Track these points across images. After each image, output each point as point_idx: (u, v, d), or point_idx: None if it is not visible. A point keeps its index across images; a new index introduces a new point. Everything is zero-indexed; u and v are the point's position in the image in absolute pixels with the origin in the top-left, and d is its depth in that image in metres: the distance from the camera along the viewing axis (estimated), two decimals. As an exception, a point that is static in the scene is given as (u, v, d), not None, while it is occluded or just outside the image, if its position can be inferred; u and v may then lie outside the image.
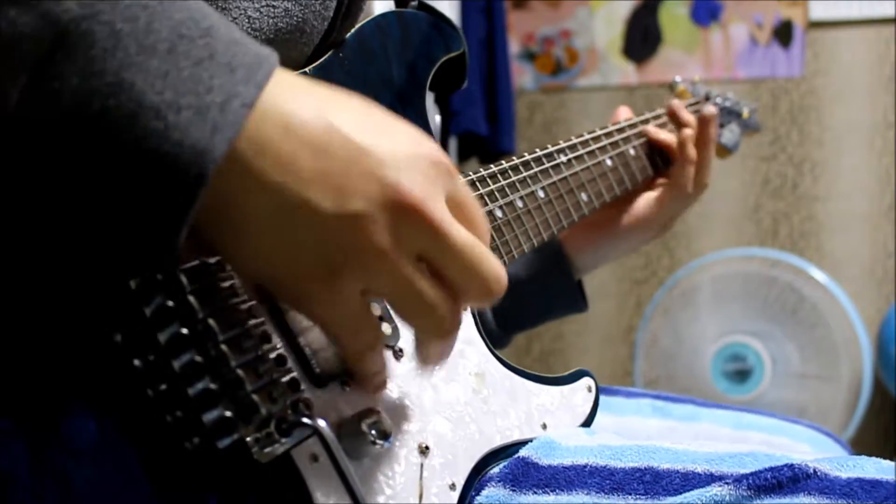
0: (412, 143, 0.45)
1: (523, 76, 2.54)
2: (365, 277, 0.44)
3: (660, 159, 0.90)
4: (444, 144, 2.25)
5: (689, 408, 0.87)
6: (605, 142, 0.82)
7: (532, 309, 0.92)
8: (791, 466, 0.51)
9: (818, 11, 2.32)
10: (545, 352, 2.58)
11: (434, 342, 0.49)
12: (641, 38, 2.46)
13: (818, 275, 2.15)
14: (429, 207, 0.43)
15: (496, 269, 0.47)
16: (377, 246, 0.43)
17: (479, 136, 2.22)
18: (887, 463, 0.53)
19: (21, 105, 0.37)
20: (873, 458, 0.53)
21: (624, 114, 0.90)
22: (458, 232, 0.45)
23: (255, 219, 0.42)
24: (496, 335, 0.91)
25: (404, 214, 0.43)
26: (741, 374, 2.18)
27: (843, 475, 0.51)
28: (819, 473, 0.50)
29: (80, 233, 0.41)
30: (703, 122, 0.90)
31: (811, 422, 0.89)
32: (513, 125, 2.31)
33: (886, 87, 2.29)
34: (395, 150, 0.44)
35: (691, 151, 0.88)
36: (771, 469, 0.51)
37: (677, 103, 0.91)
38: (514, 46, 2.52)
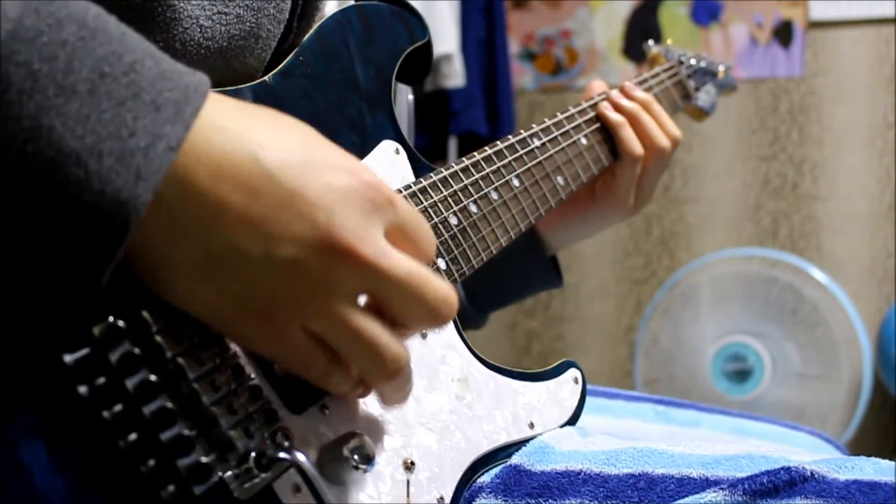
0: (346, 179, 0.43)
1: (523, 76, 2.54)
2: (301, 319, 0.43)
3: None
4: (443, 142, 2.25)
5: (691, 413, 0.86)
6: (579, 119, 0.80)
7: (506, 288, 0.91)
8: (788, 469, 0.50)
9: (818, 11, 2.32)
10: (545, 352, 2.58)
11: (383, 384, 0.47)
12: (641, 38, 2.45)
13: (818, 275, 2.15)
14: (362, 247, 0.42)
15: (443, 293, 0.46)
16: (309, 290, 0.42)
17: (479, 136, 2.22)
18: (886, 463, 0.52)
19: None
20: (872, 459, 0.53)
21: (598, 87, 0.87)
22: (396, 265, 0.44)
23: (183, 263, 0.41)
24: (471, 314, 0.91)
25: (337, 256, 0.42)
26: (741, 374, 2.17)
27: (841, 477, 0.50)
28: (816, 476, 0.50)
29: (13, 264, 0.39)
30: (643, 106, 0.84)
31: (811, 427, 0.89)
32: (513, 125, 2.31)
33: (886, 87, 2.29)
34: (327, 189, 0.42)
35: (633, 147, 0.83)
36: (767, 473, 0.50)
37: (629, 84, 0.87)
38: (514, 46, 2.52)
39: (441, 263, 0.60)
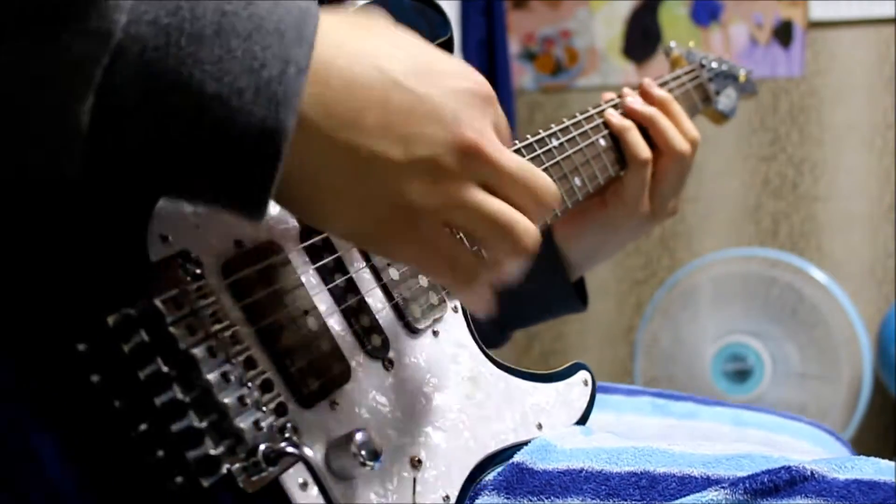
0: (461, 80, 0.48)
1: (523, 76, 2.54)
2: (443, 212, 0.47)
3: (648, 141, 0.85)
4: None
5: (689, 405, 0.86)
6: (597, 120, 0.79)
7: (528, 309, 0.91)
8: (788, 469, 0.51)
9: (818, 11, 2.32)
10: (545, 352, 2.58)
11: (516, 257, 0.50)
12: (641, 38, 2.45)
13: (818, 275, 2.15)
14: (485, 143, 0.47)
15: (549, 183, 0.51)
16: (446, 184, 0.46)
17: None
18: (886, 463, 0.52)
19: (94, 125, 0.38)
20: (872, 459, 0.53)
21: (607, 98, 0.85)
22: (509, 158, 0.48)
23: (332, 177, 0.44)
24: (493, 334, 0.90)
25: (466, 151, 0.46)
26: (741, 374, 2.17)
27: (841, 477, 0.50)
28: (817, 475, 0.50)
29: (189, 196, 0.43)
30: (660, 107, 0.84)
31: (810, 419, 0.89)
32: (513, 125, 2.31)
33: (886, 87, 2.29)
34: (448, 92, 0.46)
35: (638, 151, 0.81)
36: (768, 472, 0.51)
37: (648, 81, 0.86)
38: (514, 46, 2.52)
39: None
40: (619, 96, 0.85)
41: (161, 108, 0.38)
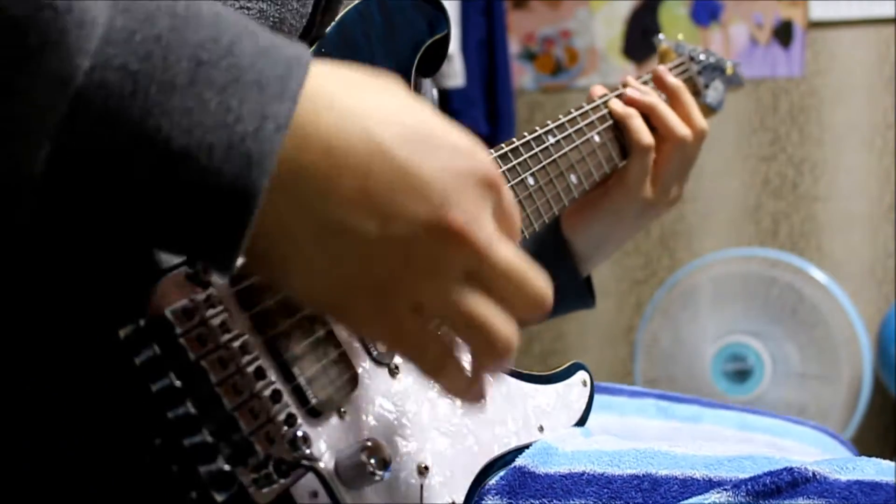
0: (460, 158, 0.43)
1: (523, 76, 2.54)
2: (414, 296, 0.42)
3: (650, 128, 0.85)
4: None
5: (693, 408, 0.86)
6: (592, 116, 0.80)
7: None
8: (790, 470, 0.51)
9: (818, 11, 2.32)
10: (545, 352, 2.58)
11: (490, 364, 0.46)
12: (641, 38, 2.45)
13: (818, 275, 2.15)
14: (474, 231, 0.42)
15: (542, 287, 0.45)
16: (422, 269, 0.41)
17: (479, 136, 2.22)
18: (887, 464, 0.53)
19: (49, 173, 0.36)
20: (873, 460, 0.53)
21: (598, 91, 0.86)
22: (504, 252, 0.43)
23: (299, 242, 0.40)
24: None
25: (450, 238, 0.41)
26: (741, 374, 2.17)
27: (843, 478, 0.50)
28: (818, 477, 0.50)
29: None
30: (671, 95, 0.84)
31: (815, 422, 0.89)
32: (513, 125, 2.31)
33: (886, 87, 2.29)
34: (442, 168, 0.41)
35: (641, 137, 0.82)
36: (770, 473, 0.51)
37: (662, 68, 0.87)
38: (514, 46, 2.52)
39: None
40: (624, 85, 0.86)
41: (124, 161, 0.36)
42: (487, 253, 0.42)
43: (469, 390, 0.47)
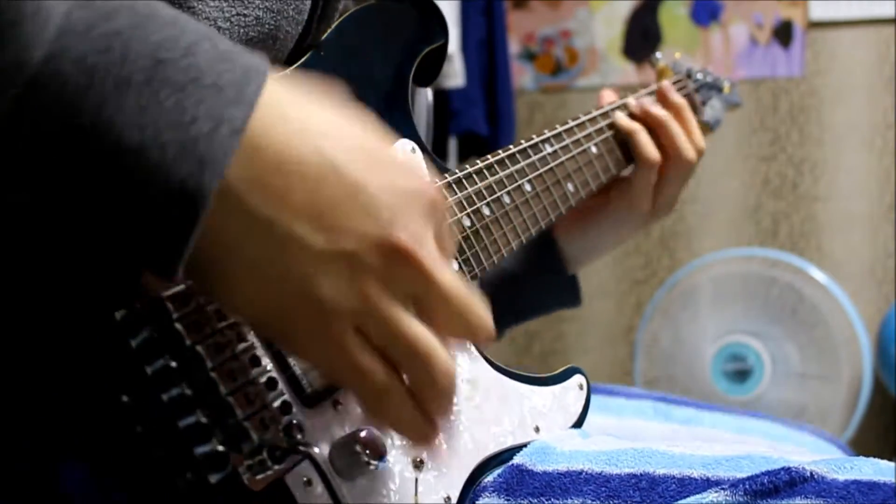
0: (407, 179, 0.43)
1: (523, 76, 2.54)
2: (356, 316, 0.42)
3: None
4: (443, 141, 2.25)
5: (691, 411, 0.86)
6: (589, 128, 0.80)
7: (525, 303, 0.91)
8: (788, 470, 0.51)
9: (818, 11, 2.32)
10: (545, 352, 2.58)
11: (429, 396, 0.44)
12: (641, 38, 2.45)
13: (818, 275, 2.15)
14: (421, 252, 0.42)
15: (483, 314, 0.45)
16: (366, 288, 0.41)
17: (479, 136, 2.22)
18: (885, 464, 0.53)
19: (8, 119, 0.35)
20: (871, 460, 0.53)
21: (608, 97, 0.87)
22: (448, 276, 0.43)
23: (244, 253, 0.40)
24: None
25: (397, 258, 0.41)
26: (741, 374, 2.18)
27: (841, 477, 0.51)
28: (816, 476, 0.50)
29: (85, 253, 0.39)
30: (675, 112, 0.84)
31: (813, 426, 0.89)
32: (513, 125, 2.31)
33: (886, 87, 2.29)
34: (390, 187, 0.42)
35: (649, 153, 0.82)
36: (767, 473, 0.51)
37: (667, 84, 0.88)
38: (514, 46, 2.52)
39: (454, 265, 0.60)
40: (617, 103, 0.86)
41: (74, 153, 0.35)
42: (432, 275, 0.42)
43: (417, 427, 0.45)
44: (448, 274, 0.43)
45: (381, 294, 0.41)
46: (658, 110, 0.84)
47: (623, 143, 0.83)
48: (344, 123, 0.43)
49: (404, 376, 0.44)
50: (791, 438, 0.86)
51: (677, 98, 0.86)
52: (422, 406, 0.45)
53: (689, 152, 0.84)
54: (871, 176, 2.33)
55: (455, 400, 0.50)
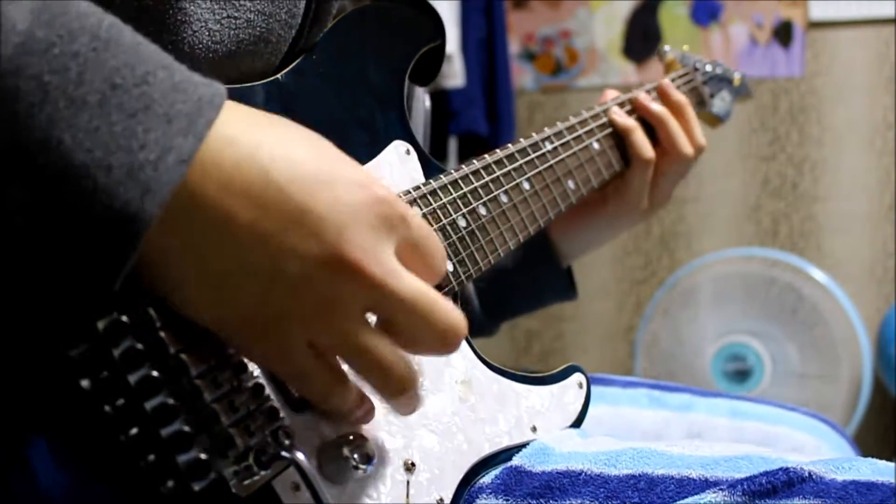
0: (358, 194, 0.43)
1: (523, 76, 2.54)
2: (307, 334, 0.43)
3: (650, 138, 0.86)
4: (443, 141, 2.25)
5: (685, 397, 0.86)
6: (592, 125, 0.79)
7: (519, 298, 0.91)
8: (786, 470, 0.51)
9: (818, 11, 2.32)
10: (545, 351, 2.58)
11: (395, 397, 0.47)
12: (641, 38, 2.45)
13: (818, 275, 2.15)
14: (370, 265, 0.42)
15: (451, 318, 0.45)
16: (316, 307, 0.42)
17: (479, 136, 2.22)
18: (884, 464, 0.53)
19: None
20: (869, 460, 0.53)
21: (611, 95, 0.87)
22: (405, 286, 0.43)
23: (190, 275, 0.41)
24: (483, 324, 0.90)
25: (344, 273, 0.41)
26: (741, 374, 2.18)
27: (839, 478, 0.51)
28: (814, 476, 0.50)
29: (23, 270, 0.39)
30: (675, 109, 0.85)
31: (807, 409, 0.89)
32: (513, 125, 2.31)
33: (886, 87, 2.29)
34: (337, 204, 0.42)
35: (643, 151, 0.82)
36: (766, 473, 0.51)
37: (667, 82, 0.88)
38: (514, 46, 2.52)
39: (448, 266, 0.60)
40: (618, 99, 0.86)
41: (24, 166, 0.36)
42: (384, 286, 0.42)
43: (361, 412, 0.49)
44: (406, 282, 0.43)
45: (331, 311, 0.42)
46: (657, 107, 0.84)
47: (622, 141, 0.83)
48: (295, 146, 0.43)
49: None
50: (786, 420, 0.85)
51: (678, 95, 0.86)
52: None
53: (687, 149, 0.85)
54: (871, 176, 2.33)
55: (450, 402, 0.51)
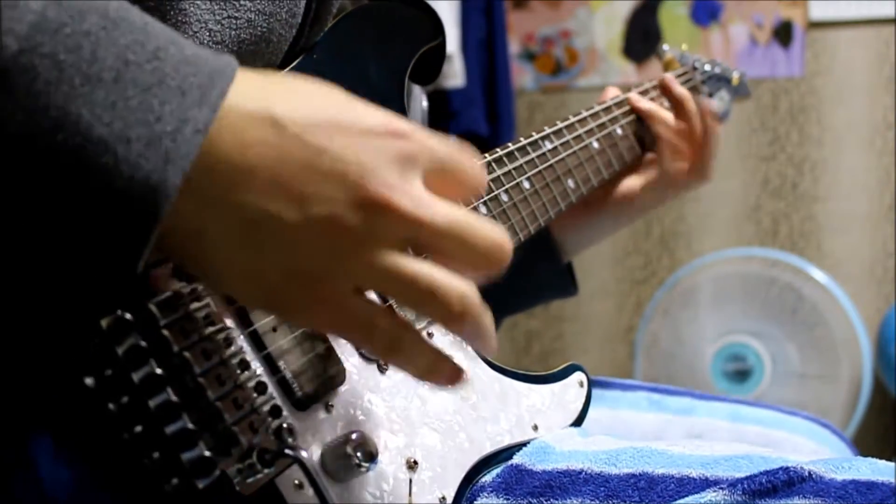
0: (375, 132, 0.42)
1: (523, 76, 2.54)
2: (350, 277, 0.42)
3: (648, 136, 0.88)
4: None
5: (686, 400, 0.87)
6: (591, 124, 0.80)
7: (520, 295, 0.91)
8: (786, 469, 0.51)
9: (818, 11, 2.32)
10: (545, 352, 2.58)
11: (458, 326, 0.44)
12: (641, 38, 2.45)
13: (818, 275, 2.15)
14: (399, 200, 0.41)
15: (493, 236, 0.44)
16: (352, 247, 0.41)
17: (479, 137, 2.22)
18: (883, 464, 0.53)
19: None
20: (869, 459, 0.54)
21: (612, 93, 0.88)
22: (438, 212, 0.42)
23: (221, 240, 0.40)
24: None
25: (375, 211, 0.41)
26: (741, 374, 2.18)
27: (839, 477, 0.51)
28: (814, 476, 0.51)
29: (43, 255, 0.39)
30: (704, 114, 0.88)
31: (807, 413, 0.89)
32: (513, 125, 2.31)
33: (886, 87, 2.29)
34: (356, 144, 0.41)
35: (680, 143, 0.86)
36: (766, 472, 0.51)
37: (670, 77, 0.89)
38: (514, 46, 2.52)
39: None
40: (620, 97, 0.87)
41: (42, 144, 0.36)
42: (417, 218, 0.41)
43: (439, 367, 0.46)
44: (437, 208, 0.42)
45: (368, 248, 0.41)
46: (680, 88, 0.87)
47: (622, 141, 0.84)
48: (308, 97, 0.43)
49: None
50: (786, 425, 0.86)
51: (680, 90, 0.87)
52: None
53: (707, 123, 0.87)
54: (871, 176, 2.33)
55: (455, 394, 0.50)
